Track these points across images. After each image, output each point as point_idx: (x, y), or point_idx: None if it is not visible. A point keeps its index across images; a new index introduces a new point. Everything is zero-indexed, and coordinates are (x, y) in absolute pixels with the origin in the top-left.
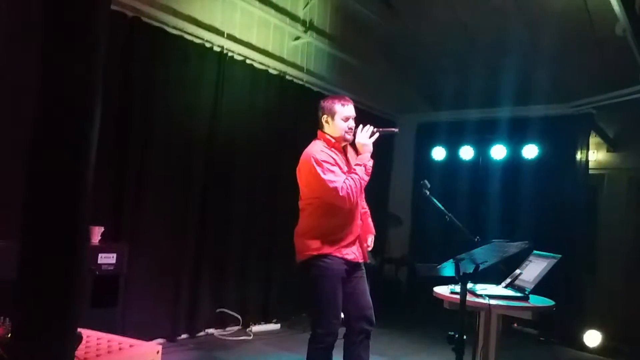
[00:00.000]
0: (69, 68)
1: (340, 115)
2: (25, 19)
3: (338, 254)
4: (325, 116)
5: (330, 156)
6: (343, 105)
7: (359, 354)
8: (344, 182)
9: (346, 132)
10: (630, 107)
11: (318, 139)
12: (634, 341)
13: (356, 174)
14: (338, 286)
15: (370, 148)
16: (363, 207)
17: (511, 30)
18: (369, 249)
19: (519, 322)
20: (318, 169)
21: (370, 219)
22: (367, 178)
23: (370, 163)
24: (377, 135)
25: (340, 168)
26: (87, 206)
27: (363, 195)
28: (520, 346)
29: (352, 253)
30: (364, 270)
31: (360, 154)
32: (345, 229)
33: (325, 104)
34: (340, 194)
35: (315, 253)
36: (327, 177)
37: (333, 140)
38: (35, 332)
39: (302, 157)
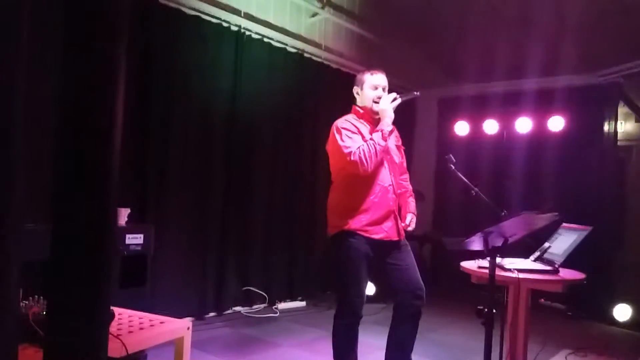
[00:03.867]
0: (92, 51)
1: (369, 84)
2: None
3: (363, 233)
4: (356, 87)
5: (354, 125)
6: (372, 74)
7: (402, 328)
8: (358, 147)
9: (374, 101)
10: None
11: (350, 112)
12: None
13: (372, 139)
14: (361, 265)
15: (390, 114)
16: (403, 186)
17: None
18: (408, 228)
19: (546, 297)
20: (337, 136)
21: (411, 199)
22: (383, 143)
23: (388, 129)
24: (398, 101)
25: (363, 137)
26: (115, 186)
27: (406, 175)
28: (549, 321)
29: (382, 231)
30: (407, 244)
31: (381, 120)
32: (370, 202)
33: (358, 76)
34: (352, 158)
35: (342, 229)
36: (344, 143)
37: (361, 112)
38: (69, 309)
39: (330, 130)
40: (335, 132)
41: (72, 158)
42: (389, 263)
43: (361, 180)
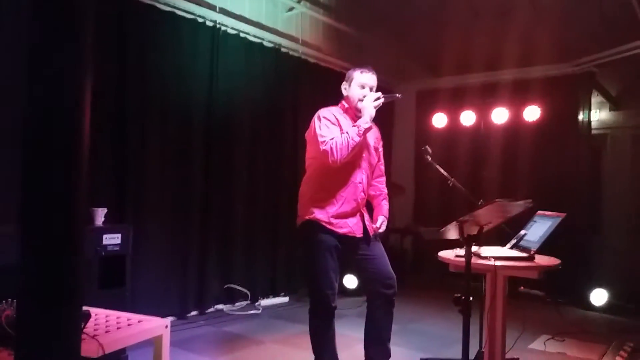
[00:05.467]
0: (57, 47)
1: (357, 82)
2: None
3: (327, 226)
4: (345, 83)
5: (335, 116)
6: (361, 72)
7: (376, 319)
8: (332, 138)
9: (360, 100)
10: (632, 64)
11: (337, 105)
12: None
13: (347, 133)
14: (329, 256)
15: (371, 111)
16: (378, 188)
17: None
18: (379, 230)
19: (525, 284)
20: (317, 123)
21: (385, 202)
22: (357, 139)
23: (365, 126)
24: (381, 101)
25: (341, 130)
26: (84, 185)
27: (383, 178)
28: (528, 308)
29: (347, 226)
30: (376, 236)
31: (362, 117)
32: (339, 196)
33: (348, 72)
34: (323, 147)
35: (307, 217)
36: (321, 131)
37: (346, 106)
38: (40, 311)
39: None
40: (316, 119)
41: (41, 158)
42: (359, 254)
43: (333, 173)
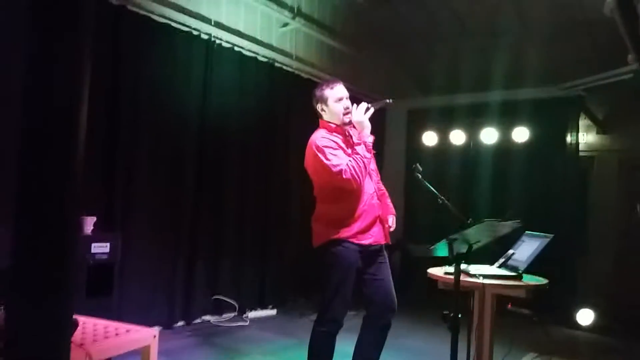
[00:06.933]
0: (56, 55)
1: (333, 99)
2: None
3: (354, 240)
4: (319, 105)
5: (332, 140)
6: (332, 88)
7: (371, 339)
8: (347, 164)
9: (343, 113)
10: (619, 89)
11: (320, 128)
12: (625, 319)
13: (357, 153)
14: (349, 275)
15: (368, 124)
16: (380, 188)
17: (501, 14)
18: (391, 229)
19: (513, 303)
20: (321, 156)
21: (389, 200)
22: (369, 155)
23: (370, 139)
24: (372, 110)
25: (344, 151)
26: (79, 193)
27: (379, 177)
28: (515, 326)
29: (371, 236)
30: (386, 256)
31: (359, 132)
32: (360, 211)
33: (316, 92)
34: (345, 177)
35: (331, 237)
36: (331, 161)
37: (334, 126)
38: (29, 318)
39: (306, 149)
40: (316, 151)
41: (35, 163)
42: (369, 274)
43: (350, 192)
